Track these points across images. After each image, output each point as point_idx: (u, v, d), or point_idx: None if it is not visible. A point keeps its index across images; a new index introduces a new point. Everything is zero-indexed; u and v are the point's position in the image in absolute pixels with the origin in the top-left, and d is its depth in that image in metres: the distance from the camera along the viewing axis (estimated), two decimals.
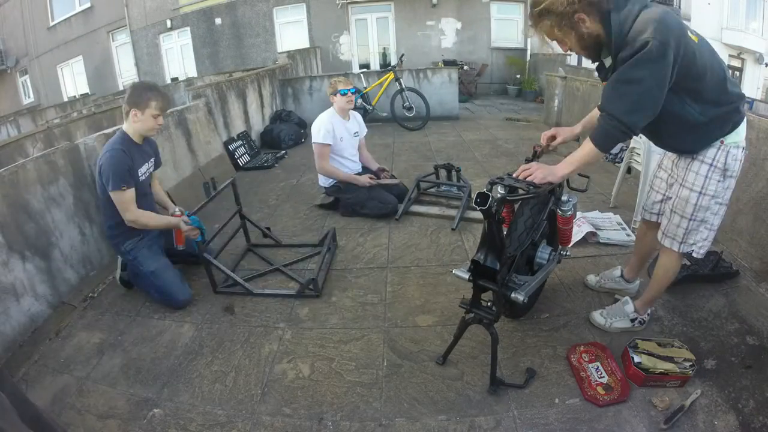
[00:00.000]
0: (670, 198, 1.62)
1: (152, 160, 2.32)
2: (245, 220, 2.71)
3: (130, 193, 2.07)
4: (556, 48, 1.49)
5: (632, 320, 1.82)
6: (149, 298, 2.24)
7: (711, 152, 1.45)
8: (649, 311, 1.85)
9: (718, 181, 1.46)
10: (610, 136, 1.39)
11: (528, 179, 1.49)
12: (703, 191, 1.48)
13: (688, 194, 1.51)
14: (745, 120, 1.46)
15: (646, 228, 1.87)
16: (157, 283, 2.15)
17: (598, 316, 1.87)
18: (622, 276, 2.05)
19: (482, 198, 1.33)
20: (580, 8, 1.29)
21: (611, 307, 1.89)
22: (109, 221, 2.17)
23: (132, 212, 2.07)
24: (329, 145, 2.97)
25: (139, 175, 2.17)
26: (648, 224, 1.84)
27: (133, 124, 2.13)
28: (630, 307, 1.83)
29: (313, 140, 3.00)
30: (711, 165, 1.45)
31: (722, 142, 1.43)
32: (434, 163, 3.40)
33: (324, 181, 3.14)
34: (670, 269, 1.68)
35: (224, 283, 2.28)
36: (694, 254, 1.58)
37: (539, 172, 1.48)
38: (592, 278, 2.15)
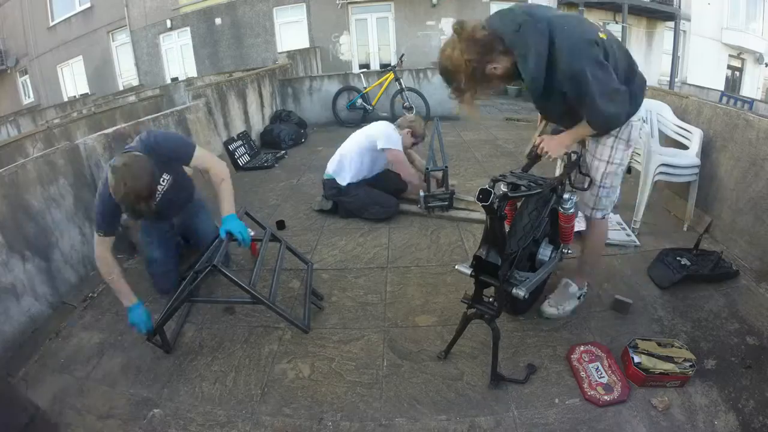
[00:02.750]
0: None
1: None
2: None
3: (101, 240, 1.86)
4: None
5: (578, 297, 1.91)
6: (149, 298, 2.23)
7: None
8: (587, 283, 1.95)
9: (623, 150, 1.66)
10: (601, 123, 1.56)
11: (544, 151, 1.64)
12: (610, 160, 1.68)
13: (598, 164, 1.70)
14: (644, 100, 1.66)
15: None
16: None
17: (549, 309, 1.91)
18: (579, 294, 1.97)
19: (484, 194, 1.34)
20: (488, 59, 1.40)
21: (556, 294, 1.95)
22: None
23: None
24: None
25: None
26: None
27: None
28: (574, 288, 1.91)
29: (390, 146, 2.93)
30: (616, 137, 1.65)
31: None
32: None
33: (347, 179, 2.98)
34: (598, 237, 1.86)
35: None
36: (605, 216, 1.79)
37: (548, 146, 1.63)
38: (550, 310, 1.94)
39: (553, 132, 1.86)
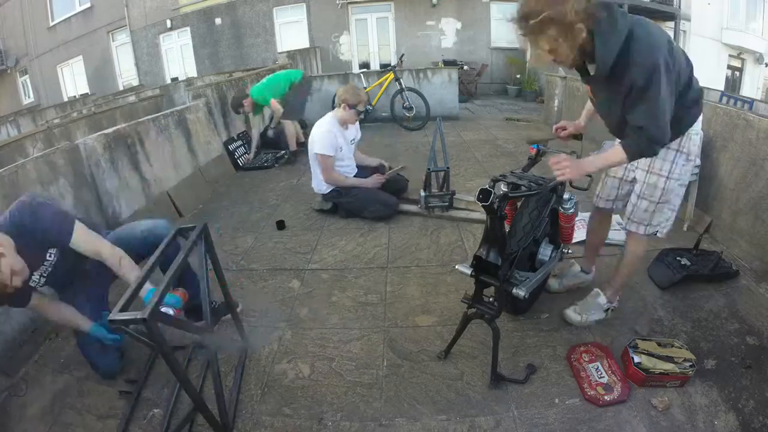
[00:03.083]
0: (629, 183, 1.74)
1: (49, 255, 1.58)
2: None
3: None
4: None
5: (605, 310, 1.88)
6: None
7: (676, 140, 1.54)
8: (618, 297, 1.91)
9: (683, 165, 1.58)
10: (641, 148, 1.43)
11: (559, 174, 1.50)
12: (670, 175, 1.58)
13: (656, 180, 1.60)
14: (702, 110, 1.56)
15: (600, 217, 1.97)
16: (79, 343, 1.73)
17: (573, 314, 1.89)
18: (582, 270, 2.12)
19: (484, 194, 1.34)
20: (581, 18, 1.26)
21: (584, 302, 1.91)
22: None
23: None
24: (333, 156, 2.92)
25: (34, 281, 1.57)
26: (601, 213, 1.95)
27: None
28: (602, 299, 1.88)
29: (315, 151, 2.91)
30: (677, 151, 1.56)
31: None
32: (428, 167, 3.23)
33: (323, 188, 3.06)
34: (638, 253, 1.78)
35: None
36: (658, 234, 1.69)
37: (569, 170, 1.49)
38: (553, 282, 2.10)
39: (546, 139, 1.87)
